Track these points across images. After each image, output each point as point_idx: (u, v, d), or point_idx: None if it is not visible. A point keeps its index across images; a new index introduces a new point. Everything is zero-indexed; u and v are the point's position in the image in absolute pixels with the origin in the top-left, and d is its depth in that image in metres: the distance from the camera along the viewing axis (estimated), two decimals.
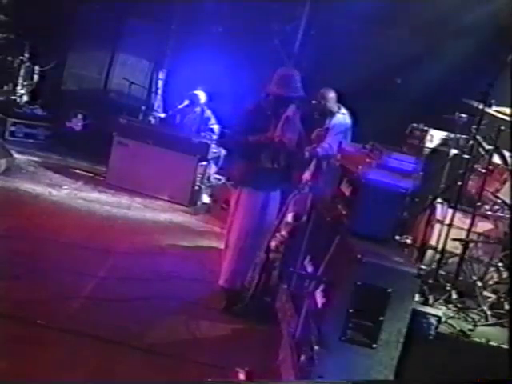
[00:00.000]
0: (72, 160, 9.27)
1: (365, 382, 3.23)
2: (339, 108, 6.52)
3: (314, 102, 6.55)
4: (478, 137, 4.63)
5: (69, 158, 9.32)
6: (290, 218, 5.52)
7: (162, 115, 9.10)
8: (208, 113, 8.93)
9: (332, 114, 6.49)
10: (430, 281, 4.41)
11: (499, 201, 4.70)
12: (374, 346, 3.32)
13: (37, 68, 10.01)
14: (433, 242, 4.72)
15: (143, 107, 9.26)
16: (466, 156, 4.64)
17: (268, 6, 8.99)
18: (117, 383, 3.63)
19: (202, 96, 8.84)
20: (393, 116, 7.41)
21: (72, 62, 10.32)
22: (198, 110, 8.92)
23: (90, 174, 8.70)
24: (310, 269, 4.29)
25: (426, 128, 5.65)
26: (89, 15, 9.86)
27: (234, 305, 4.98)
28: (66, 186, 7.75)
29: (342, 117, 6.54)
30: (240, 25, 9.17)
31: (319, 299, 3.66)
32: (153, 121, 9.03)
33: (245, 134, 5.08)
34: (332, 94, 6.52)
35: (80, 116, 9.88)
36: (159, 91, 9.55)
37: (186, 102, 8.89)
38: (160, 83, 9.62)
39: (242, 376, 3.78)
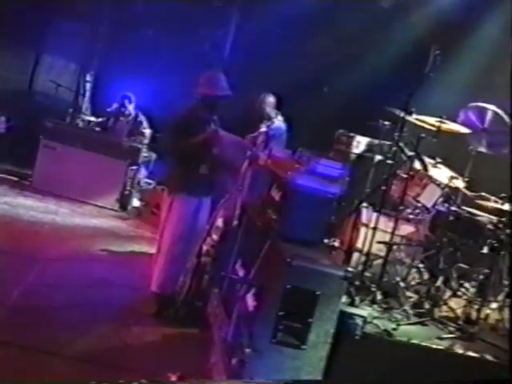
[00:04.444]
0: None
1: (292, 381, 3.31)
2: (277, 114, 6.58)
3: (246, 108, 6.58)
4: (401, 143, 4.85)
5: None
6: (220, 222, 5.57)
7: (93, 118, 8.92)
8: (141, 117, 8.86)
9: (270, 119, 6.53)
10: (357, 282, 4.57)
11: (420, 205, 4.94)
12: (303, 347, 3.42)
13: None
14: (359, 244, 4.90)
15: (70, 110, 9.05)
16: (390, 162, 4.85)
17: (198, 11, 9.02)
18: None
19: (133, 99, 8.77)
20: (321, 122, 7.60)
21: None
22: (131, 113, 8.84)
23: (15, 178, 8.43)
24: (241, 273, 4.35)
25: (352, 134, 5.84)
26: (11, 15, 9.52)
27: (165, 310, 4.97)
28: None
29: (280, 123, 6.61)
30: (170, 28, 9.14)
31: (250, 303, 3.73)
32: (81, 124, 8.85)
33: (178, 138, 5.10)
34: (271, 100, 6.57)
35: (3, 118, 9.52)
36: (87, 94, 9.36)
37: (115, 105, 8.78)
38: (88, 86, 9.44)
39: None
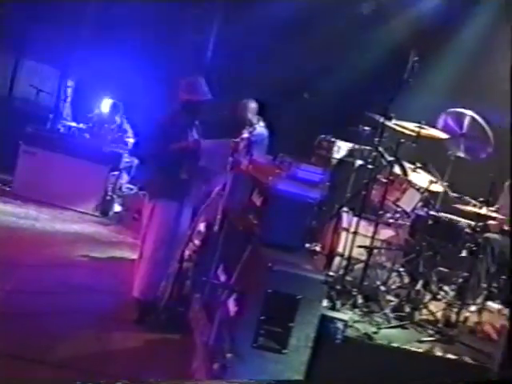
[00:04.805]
0: None
1: (274, 382, 3.33)
2: (258, 120, 6.60)
3: (225, 112, 6.60)
4: (380, 148, 4.90)
5: None
6: (202, 227, 5.57)
7: (74, 124, 8.88)
8: (126, 125, 8.86)
9: (251, 125, 6.54)
10: (338, 287, 4.60)
11: (399, 209, 4.99)
12: (285, 351, 3.44)
13: None
14: (340, 249, 4.93)
15: (51, 115, 9.00)
16: (370, 166, 4.90)
17: (180, 17, 9.03)
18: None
19: (121, 108, 8.79)
20: (303, 128, 7.64)
21: None
22: (117, 120, 8.83)
23: None
24: (222, 278, 4.36)
25: (333, 139, 5.88)
26: None
27: (146, 316, 4.95)
28: None
29: (262, 129, 6.63)
30: (151, 34, 9.14)
31: (232, 308, 3.74)
32: (62, 129, 8.80)
33: (160, 144, 5.09)
34: (253, 105, 6.59)
35: None
36: (68, 99, 9.30)
37: (98, 111, 8.76)
38: (69, 91, 9.38)
39: None
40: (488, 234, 4.75)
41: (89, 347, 4.42)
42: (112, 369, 4.12)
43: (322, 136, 6.04)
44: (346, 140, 5.80)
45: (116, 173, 8.34)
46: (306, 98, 5.54)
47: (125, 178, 8.80)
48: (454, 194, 5.02)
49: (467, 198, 4.83)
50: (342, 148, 5.85)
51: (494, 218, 4.84)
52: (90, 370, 4.03)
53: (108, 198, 8.21)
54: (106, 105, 8.99)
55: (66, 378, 3.89)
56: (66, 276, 5.63)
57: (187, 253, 5.44)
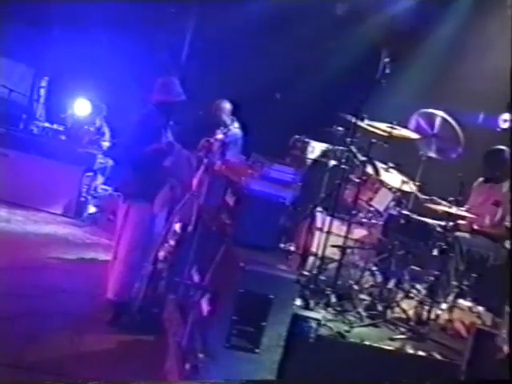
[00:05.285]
0: None
1: (245, 381, 3.34)
2: (232, 121, 6.60)
3: (200, 112, 6.61)
4: (353, 149, 4.94)
5: None
6: (177, 227, 5.57)
7: (47, 124, 8.80)
8: (105, 128, 8.81)
9: (225, 125, 6.53)
10: (312, 286, 4.63)
11: (372, 209, 5.04)
12: (257, 350, 3.45)
13: None
14: (314, 248, 4.96)
15: (24, 115, 8.89)
16: (343, 167, 4.94)
17: (155, 17, 8.99)
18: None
19: (104, 110, 8.75)
20: (277, 128, 7.66)
21: None
22: (97, 122, 8.78)
23: None
24: (196, 278, 4.36)
25: (307, 140, 5.92)
26: None
27: (120, 317, 4.93)
28: None
29: (236, 130, 6.64)
30: (125, 34, 9.08)
31: (205, 308, 3.74)
32: (35, 130, 8.71)
33: (134, 145, 5.07)
34: (227, 106, 6.59)
35: None
36: (41, 99, 9.21)
37: (71, 111, 8.69)
38: (42, 91, 9.28)
39: None
40: (457, 233, 4.82)
41: (62, 349, 4.38)
42: (85, 370, 4.09)
43: (297, 136, 6.08)
44: (321, 140, 5.85)
45: (90, 174, 8.28)
46: (278, 98, 5.56)
47: (100, 179, 8.74)
48: (424, 196, 5.08)
49: (436, 198, 4.89)
50: (316, 148, 5.90)
51: (464, 218, 4.91)
52: (63, 372, 4.00)
53: (82, 199, 8.14)
54: (80, 105, 8.92)
55: (37, 381, 3.86)
56: (39, 278, 5.57)
57: (162, 254, 5.43)
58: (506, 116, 5.78)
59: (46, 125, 8.80)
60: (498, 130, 5.56)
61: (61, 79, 9.45)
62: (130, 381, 3.80)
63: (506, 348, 2.93)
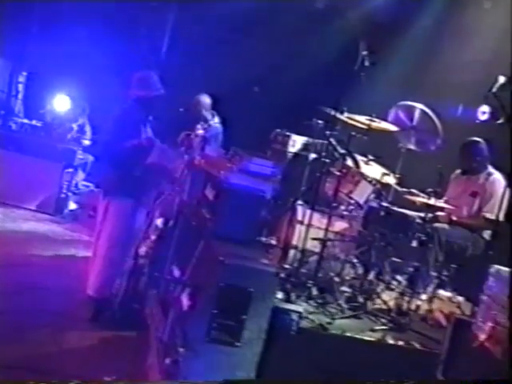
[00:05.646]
0: None
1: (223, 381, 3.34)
2: (213, 115, 6.56)
3: (181, 109, 6.56)
4: (333, 142, 4.96)
5: None
6: (159, 222, 5.55)
7: (26, 121, 8.70)
8: (87, 128, 8.75)
9: (206, 120, 6.50)
10: (293, 279, 4.65)
11: (353, 201, 5.06)
12: (238, 344, 3.46)
13: None
14: (294, 241, 4.97)
15: (2, 112, 8.78)
16: (324, 160, 4.95)
17: (133, 12, 8.92)
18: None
19: (87, 109, 8.68)
20: (259, 122, 7.65)
21: None
22: (80, 120, 8.71)
23: None
24: (177, 273, 4.35)
25: (288, 133, 5.92)
26: None
27: (101, 314, 4.90)
28: None
29: (217, 125, 6.61)
30: (104, 28, 9.01)
31: (185, 302, 3.73)
32: (14, 126, 8.61)
33: (113, 141, 5.04)
34: (207, 101, 6.56)
35: None
36: (19, 95, 9.09)
37: (49, 107, 8.61)
38: (20, 87, 9.17)
39: None
40: (436, 224, 4.86)
41: (43, 347, 4.35)
42: (66, 368, 4.05)
43: (278, 130, 6.08)
44: (301, 134, 5.86)
45: (70, 170, 8.21)
46: (256, 91, 5.55)
47: (81, 175, 8.67)
48: (403, 189, 5.11)
49: (415, 190, 4.93)
50: (297, 142, 5.91)
51: (442, 209, 4.95)
52: (43, 370, 3.97)
53: (62, 195, 8.07)
54: (59, 101, 8.84)
55: (18, 379, 3.83)
56: (19, 275, 5.51)
57: (144, 249, 5.41)
58: (485, 108, 5.81)
59: (25, 121, 8.69)
60: (477, 121, 5.59)
61: (40, 75, 9.33)
62: (112, 381, 3.78)
63: (482, 336, 2.96)
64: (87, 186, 8.64)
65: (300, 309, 4.04)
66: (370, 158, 5.21)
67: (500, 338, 2.80)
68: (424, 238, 4.61)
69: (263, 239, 5.33)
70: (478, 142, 5.15)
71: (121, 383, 3.77)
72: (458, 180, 5.34)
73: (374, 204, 5.03)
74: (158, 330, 4.10)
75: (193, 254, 3.97)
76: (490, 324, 2.94)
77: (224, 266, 3.44)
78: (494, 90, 4.26)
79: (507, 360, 2.67)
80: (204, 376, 3.38)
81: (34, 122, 8.64)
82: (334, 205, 4.93)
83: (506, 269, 3.17)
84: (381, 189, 5.10)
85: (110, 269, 4.99)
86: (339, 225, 5.08)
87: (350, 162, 5.06)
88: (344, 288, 4.76)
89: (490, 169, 5.14)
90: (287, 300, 4.28)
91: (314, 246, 4.85)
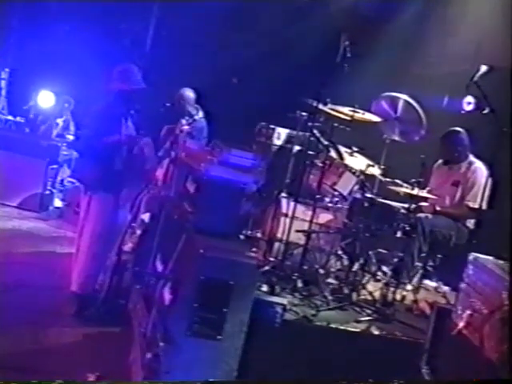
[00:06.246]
0: None
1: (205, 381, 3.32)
2: (197, 110, 6.50)
3: (168, 104, 6.50)
4: (317, 133, 4.93)
5: None
6: (144, 217, 5.51)
7: (10, 117, 8.62)
8: (71, 123, 8.68)
9: (191, 115, 6.43)
10: (278, 271, 4.63)
11: (337, 193, 5.04)
12: (219, 337, 3.43)
13: None
14: (279, 234, 4.95)
15: None
16: (308, 152, 4.93)
17: (117, 6, 8.84)
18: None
19: (72, 104, 8.61)
20: (244, 116, 7.61)
21: None
22: (64, 117, 8.64)
23: None
24: (160, 267, 4.31)
25: (272, 126, 5.90)
26: None
27: (85, 309, 4.86)
28: None
29: (202, 120, 6.55)
30: (88, 23, 8.92)
31: (167, 296, 3.70)
32: None
33: (94, 136, 4.99)
34: (190, 95, 6.50)
35: None
36: (3, 92, 8.99)
37: (33, 103, 8.53)
38: (3, 83, 9.06)
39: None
40: (420, 214, 4.85)
41: (26, 343, 4.30)
42: (49, 365, 4.02)
43: (262, 123, 6.05)
44: (286, 126, 5.83)
45: (55, 166, 8.13)
46: (235, 82, 5.51)
47: (66, 171, 8.59)
48: (387, 179, 5.10)
49: (399, 181, 4.91)
50: (282, 135, 5.88)
51: (426, 199, 4.94)
52: (26, 367, 3.93)
53: (47, 192, 7.99)
54: (43, 97, 8.75)
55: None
56: (3, 273, 5.46)
57: (129, 245, 5.38)
58: (470, 99, 5.80)
59: (10, 118, 8.60)
60: (463, 112, 5.58)
61: (23, 71, 9.23)
62: (95, 380, 3.75)
63: (460, 324, 2.95)
64: (72, 183, 8.56)
65: (284, 301, 4.03)
66: (354, 149, 5.19)
67: (478, 325, 2.78)
68: (408, 229, 4.60)
69: (248, 232, 5.32)
70: (458, 131, 5.14)
71: (103, 383, 3.74)
72: (440, 170, 5.33)
73: (359, 195, 5.01)
74: (141, 325, 4.06)
75: (175, 248, 3.94)
76: (468, 312, 2.93)
77: (204, 258, 3.41)
78: (476, 79, 4.25)
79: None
80: (185, 369, 3.35)
81: (18, 119, 8.55)
82: (319, 197, 4.90)
83: (485, 256, 3.15)
84: (365, 180, 5.08)
85: (92, 264, 4.94)
86: (324, 217, 5.06)
87: (333, 154, 5.04)
88: (329, 280, 4.75)
89: (472, 158, 5.13)
90: (272, 292, 4.27)
91: (298, 238, 4.83)
